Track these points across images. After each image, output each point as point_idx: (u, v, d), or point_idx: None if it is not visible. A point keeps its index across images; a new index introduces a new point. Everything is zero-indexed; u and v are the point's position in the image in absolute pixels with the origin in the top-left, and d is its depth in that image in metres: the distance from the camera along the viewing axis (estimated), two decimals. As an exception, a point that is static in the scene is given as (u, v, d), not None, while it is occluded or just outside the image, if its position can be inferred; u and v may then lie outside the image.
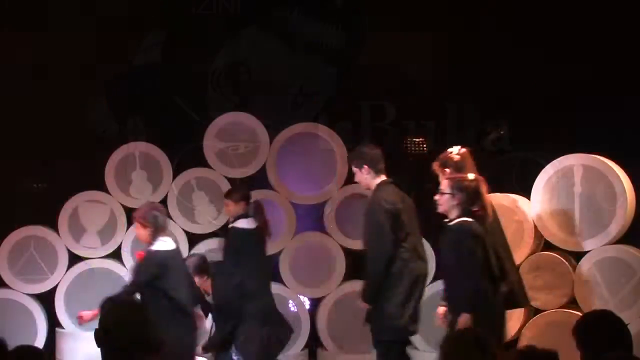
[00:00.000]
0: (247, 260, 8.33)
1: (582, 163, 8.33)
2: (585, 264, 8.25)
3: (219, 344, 8.24)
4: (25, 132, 9.38)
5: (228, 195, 8.70)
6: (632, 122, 8.78)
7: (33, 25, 9.40)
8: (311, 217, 9.48)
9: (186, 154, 9.53)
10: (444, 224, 7.29)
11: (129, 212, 9.39)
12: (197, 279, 8.09)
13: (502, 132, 9.59)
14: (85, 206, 9.41)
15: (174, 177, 9.46)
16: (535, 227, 8.40)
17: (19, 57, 9.38)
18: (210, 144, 9.47)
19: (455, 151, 7.78)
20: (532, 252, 8.46)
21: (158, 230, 7.54)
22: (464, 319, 7.01)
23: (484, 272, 7.09)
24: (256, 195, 9.43)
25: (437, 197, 7.27)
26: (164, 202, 9.43)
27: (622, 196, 8.17)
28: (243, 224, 8.44)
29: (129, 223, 9.38)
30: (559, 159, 8.39)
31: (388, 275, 7.65)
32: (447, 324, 7.25)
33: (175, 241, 7.93)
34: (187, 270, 7.91)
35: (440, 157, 7.82)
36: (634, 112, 8.76)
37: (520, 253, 8.42)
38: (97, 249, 9.39)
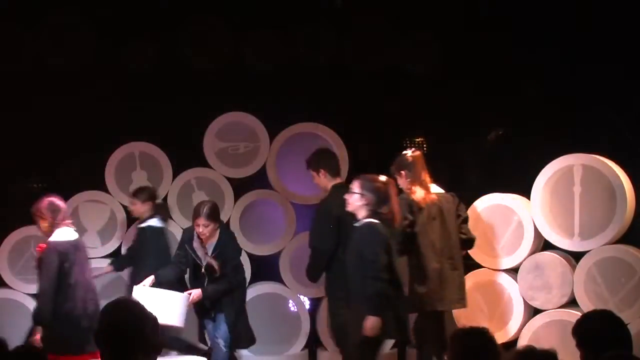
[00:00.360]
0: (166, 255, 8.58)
1: (582, 163, 8.33)
2: (585, 264, 8.25)
3: (213, 297, 8.18)
4: (26, 132, 9.38)
5: (135, 194, 8.82)
6: (632, 122, 8.78)
7: (33, 24, 9.40)
8: (311, 217, 9.49)
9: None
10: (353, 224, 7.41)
11: (129, 212, 9.41)
12: (212, 226, 8.11)
13: (501, 132, 9.61)
14: (85, 206, 9.42)
15: (174, 177, 9.46)
16: (535, 227, 8.40)
17: (20, 57, 9.39)
18: (210, 144, 9.47)
19: (409, 153, 8.05)
20: (532, 252, 8.46)
21: (56, 221, 7.76)
22: (372, 322, 7.07)
23: (387, 275, 7.16)
24: (256, 195, 9.46)
25: (346, 196, 7.40)
26: (163, 202, 9.44)
27: (622, 196, 8.17)
28: (155, 222, 8.63)
29: (129, 223, 9.39)
30: (558, 159, 8.39)
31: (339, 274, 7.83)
32: (345, 322, 7.32)
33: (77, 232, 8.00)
34: (89, 261, 8.04)
35: (396, 160, 8.07)
36: (634, 112, 8.77)
37: (520, 253, 8.43)
38: (97, 249, 9.38)
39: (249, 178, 9.54)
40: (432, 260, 7.91)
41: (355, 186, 7.34)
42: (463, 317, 8.38)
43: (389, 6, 9.42)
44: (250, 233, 9.45)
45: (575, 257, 8.45)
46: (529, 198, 8.48)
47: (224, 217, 9.35)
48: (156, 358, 4.12)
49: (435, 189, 8.14)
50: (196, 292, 8.06)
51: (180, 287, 8.24)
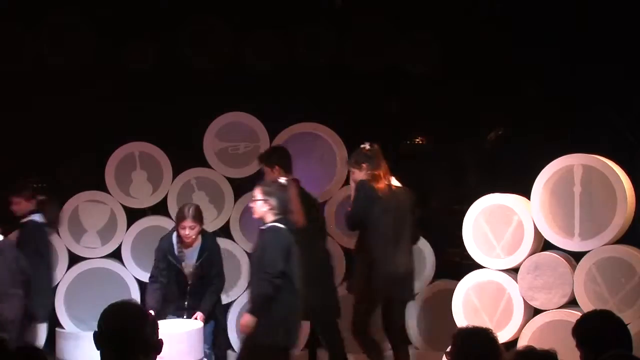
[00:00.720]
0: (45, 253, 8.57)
1: (582, 163, 8.32)
2: (585, 264, 8.25)
3: (210, 311, 8.19)
4: (26, 132, 9.38)
5: (18, 193, 8.66)
6: (632, 122, 8.78)
7: (33, 24, 9.41)
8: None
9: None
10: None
11: (129, 212, 9.41)
12: (197, 228, 8.12)
13: (500, 132, 9.61)
14: (85, 206, 9.42)
15: (174, 177, 9.46)
16: (535, 227, 8.40)
17: (20, 57, 9.40)
18: (210, 144, 9.47)
19: (367, 147, 8.22)
20: (532, 252, 8.46)
21: None
22: (246, 320, 7.30)
23: (280, 282, 7.30)
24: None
25: (250, 203, 7.60)
26: (164, 202, 9.44)
27: (622, 196, 8.16)
28: (37, 218, 8.56)
29: (129, 223, 9.39)
30: (559, 159, 8.38)
31: None
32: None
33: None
34: (12, 263, 7.83)
35: (355, 153, 8.26)
36: (634, 112, 8.76)
37: (520, 253, 8.43)
38: (97, 249, 9.39)
39: (249, 178, 9.53)
40: (381, 252, 8.10)
41: (257, 193, 7.51)
42: (463, 317, 8.38)
43: (389, 6, 9.42)
44: (250, 233, 9.44)
45: (575, 257, 8.44)
46: (529, 198, 8.47)
47: (224, 217, 9.37)
48: (156, 358, 4.13)
49: (394, 182, 8.35)
50: (200, 315, 8.06)
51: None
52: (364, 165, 8.17)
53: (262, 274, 7.30)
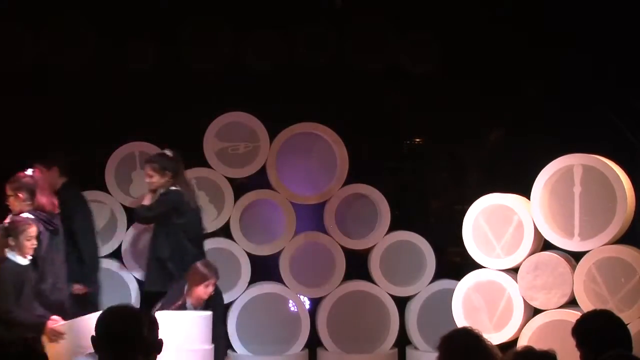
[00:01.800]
0: None
1: (582, 163, 8.32)
2: (585, 264, 8.25)
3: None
4: (26, 132, 9.38)
5: None
6: (633, 122, 8.78)
7: (33, 23, 9.41)
8: (311, 217, 9.49)
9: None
10: None
11: (129, 212, 9.41)
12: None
13: (501, 132, 9.61)
14: (85, 206, 9.41)
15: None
16: (535, 227, 8.40)
17: (20, 57, 9.40)
18: (210, 144, 9.47)
19: (170, 154, 8.66)
20: (532, 252, 8.46)
21: None
22: None
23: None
24: (256, 195, 9.46)
25: (6, 201, 8.01)
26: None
27: (622, 196, 8.17)
28: None
29: (129, 223, 9.39)
30: (558, 159, 8.39)
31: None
32: None
33: None
34: None
35: (156, 158, 8.67)
36: (634, 112, 8.76)
37: (520, 253, 8.43)
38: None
39: (249, 178, 9.54)
40: (195, 251, 8.54)
41: (7, 189, 7.93)
42: (463, 317, 8.39)
43: (389, 6, 9.43)
44: (250, 233, 9.45)
45: (575, 257, 8.45)
46: (529, 198, 8.47)
47: (224, 217, 9.36)
48: (156, 358, 4.13)
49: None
50: None
51: None
52: (168, 172, 8.57)
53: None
